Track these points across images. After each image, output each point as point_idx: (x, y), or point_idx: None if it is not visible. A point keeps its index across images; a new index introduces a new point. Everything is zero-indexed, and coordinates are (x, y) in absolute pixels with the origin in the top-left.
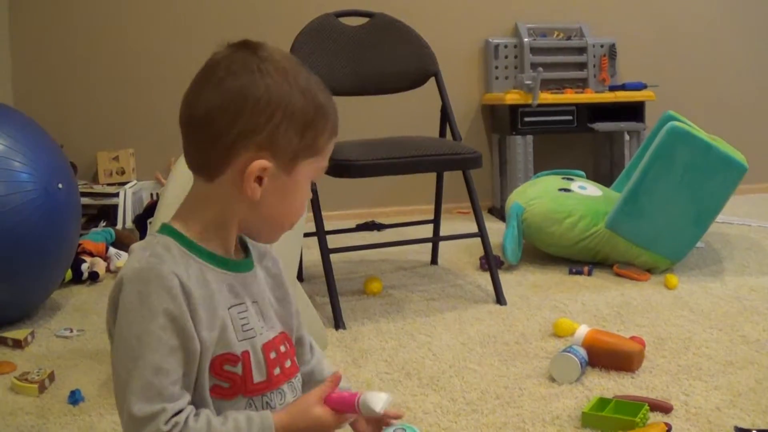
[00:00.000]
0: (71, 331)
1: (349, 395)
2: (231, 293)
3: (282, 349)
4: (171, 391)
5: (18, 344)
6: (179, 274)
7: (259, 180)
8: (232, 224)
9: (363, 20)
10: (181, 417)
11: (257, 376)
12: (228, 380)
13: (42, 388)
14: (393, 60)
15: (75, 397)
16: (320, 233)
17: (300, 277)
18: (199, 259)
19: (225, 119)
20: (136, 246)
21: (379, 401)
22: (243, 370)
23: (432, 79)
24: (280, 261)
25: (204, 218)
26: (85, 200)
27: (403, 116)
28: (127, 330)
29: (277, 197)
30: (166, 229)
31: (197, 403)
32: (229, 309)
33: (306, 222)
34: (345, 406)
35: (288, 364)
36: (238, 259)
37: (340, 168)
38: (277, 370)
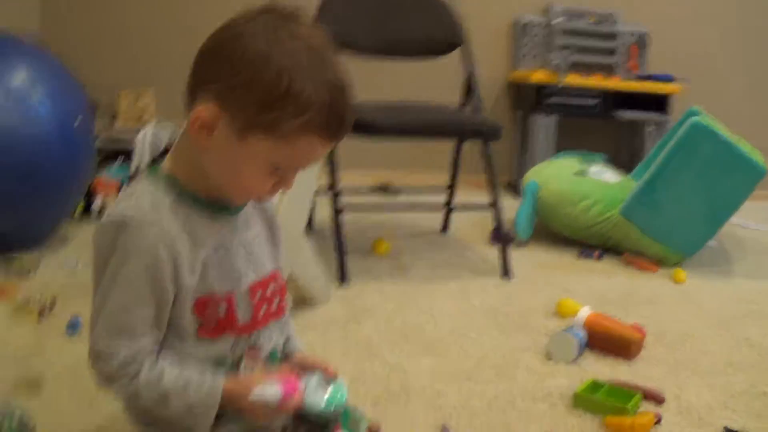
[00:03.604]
0: (77, 263)
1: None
2: (217, 237)
3: (270, 289)
4: (134, 332)
5: (23, 271)
6: (161, 224)
7: (209, 130)
8: (202, 170)
9: None
10: (135, 366)
11: (242, 317)
12: (213, 320)
13: (42, 315)
14: (421, 26)
15: (74, 326)
16: (334, 190)
17: (309, 231)
18: (185, 204)
19: (202, 61)
20: (125, 189)
21: (270, 392)
22: (227, 311)
23: (458, 51)
24: (274, 203)
25: (185, 160)
26: (102, 138)
27: (425, 84)
28: (102, 270)
29: (223, 159)
30: (156, 172)
31: (176, 341)
32: (214, 252)
33: (320, 178)
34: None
35: (275, 303)
36: (224, 203)
37: (359, 126)
38: (263, 311)
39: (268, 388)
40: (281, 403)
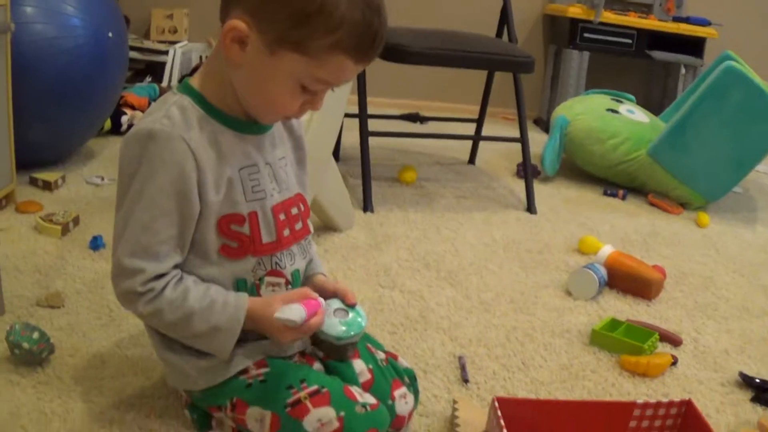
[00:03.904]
0: (102, 179)
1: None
2: (243, 155)
3: (294, 211)
4: (157, 250)
5: (48, 186)
6: (189, 138)
7: (242, 44)
8: (231, 87)
9: None
10: (160, 283)
11: (266, 237)
12: (236, 239)
13: (65, 231)
14: None
15: (96, 243)
16: (362, 115)
17: (336, 156)
18: (213, 120)
19: None
20: (154, 103)
21: (294, 313)
22: (251, 230)
23: None
24: (303, 123)
25: (216, 76)
26: (133, 54)
27: (462, 12)
28: (127, 184)
29: (254, 73)
30: (186, 88)
31: (198, 260)
32: (240, 170)
33: (349, 103)
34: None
35: (299, 225)
36: (252, 121)
37: (391, 52)
38: (286, 232)
39: (292, 308)
40: (305, 322)
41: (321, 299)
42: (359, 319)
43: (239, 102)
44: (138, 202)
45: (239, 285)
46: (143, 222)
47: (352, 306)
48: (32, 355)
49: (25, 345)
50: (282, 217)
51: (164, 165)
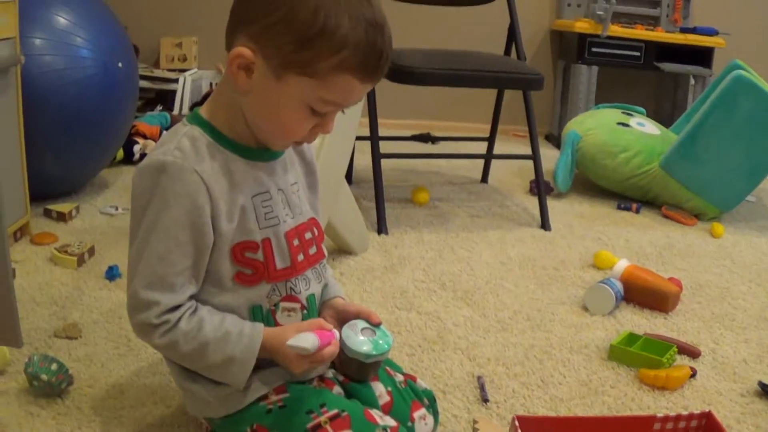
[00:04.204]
0: (116, 209)
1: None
2: (255, 182)
3: (307, 235)
4: (173, 281)
5: (62, 217)
6: (201, 169)
7: (248, 71)
8: (241, 114)
9: None
10: (175, 315)
11: (280, 263)
12: (250, 267)
13: (81, 262)
14: None
15: (112, 273)
16: (374, 137)
17: (349, 179)
18: (224, 149)
19: (239, 2)
20: (165, 135)
21: (306, 341)
22: (264, 257)
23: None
24: (314, 147)
25: (225, 104)
26: (144, 83)
27: (470, 31)
28: (140, 216)
29: (262, 99)
30: (195, 118)
31: (213, 289)
32: (252, 198)
33: (360, 125)
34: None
35: (313, 250)
36: (263, 148)
37: (399, 73)
38: (300, 257)
39: (305, 336)
40: (317, 351)
41: (335, 331)
42: (386, 337)
43: (249, 129)
44: (152, 234)
45: (254, 311)
46: (158, 253)
47: (377, 325)
48: (51, 387)
49: (44, 377)
50: (296, 242)
51: (177, 197)
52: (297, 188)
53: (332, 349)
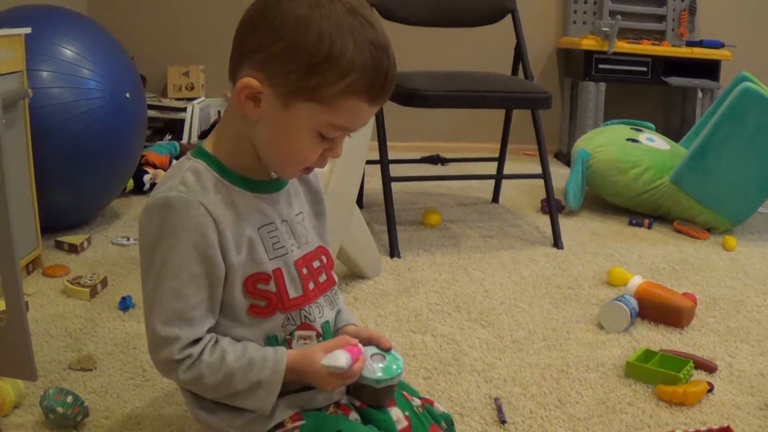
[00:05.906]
0: (128, 239)
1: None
2: (260, 214)
3: (315, 264)
4: (190, 315)
5: (74, 249)
6: (206, 202)
7: (256, 101)
8: (249, 144)
9: None
10: (196, 349)
11: (293, 292)
12: (263, 298)
13: (93, 293)
14: None
15: (125, 303)
16: (383, 161)
17: (360, 203)
18: (228, 183)
19: (242, 32)
20: (170, 169)
21: (340, 359)
22: (277, 287)
23: (508, 18)
24: (320, 176)
25: (230, 136)
26: (152, 113)
27: (476, 52)
28: (151, 254)
29: (271, 127)
30: (199, 152)
31: (228, 323)
32: (258, 229)
33: (370, 149)
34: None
35: (323, 278)
36: (266, 180)
37: (407, 97)
38: (311, 285)
39: (338, 355)
40: (350, 367)
41: (360, 345)
42: (397, 362)
43: (255, 159)
44: (164, 270)
45: (270, 342)
46: (173, 289)
47: (387, 350)
48: (67, 419)
49: (60, 409)
50: (305, 271)
51: (185, 230)
52: (302, 218)
53: (360, 365)
